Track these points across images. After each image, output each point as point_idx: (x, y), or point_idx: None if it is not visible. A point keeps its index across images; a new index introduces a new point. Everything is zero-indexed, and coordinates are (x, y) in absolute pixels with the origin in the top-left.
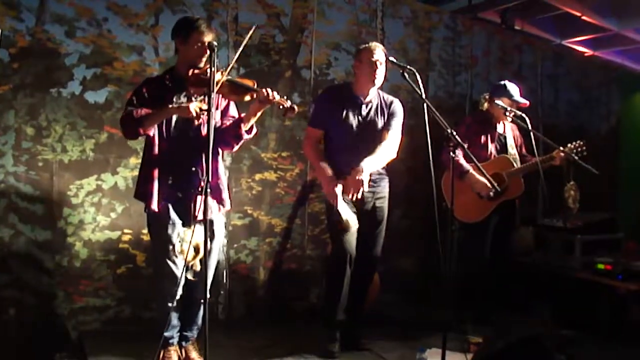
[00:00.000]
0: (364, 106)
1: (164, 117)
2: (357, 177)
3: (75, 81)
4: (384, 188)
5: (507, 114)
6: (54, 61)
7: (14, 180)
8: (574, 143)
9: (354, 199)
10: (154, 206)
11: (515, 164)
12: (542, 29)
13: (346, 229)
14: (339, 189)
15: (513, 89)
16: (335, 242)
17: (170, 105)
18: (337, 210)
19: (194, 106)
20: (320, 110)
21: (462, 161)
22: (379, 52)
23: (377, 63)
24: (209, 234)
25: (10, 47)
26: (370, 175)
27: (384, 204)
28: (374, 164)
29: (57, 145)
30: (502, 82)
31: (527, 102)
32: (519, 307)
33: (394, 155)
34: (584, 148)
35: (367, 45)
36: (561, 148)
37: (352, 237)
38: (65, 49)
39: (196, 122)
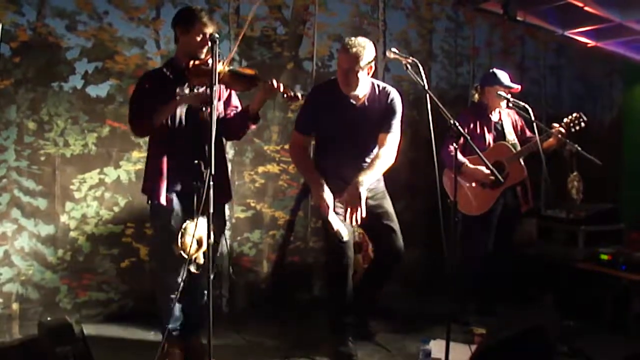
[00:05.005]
0: (353, 100)
1: (174, 109)
2: (355, 190)
3: (77, 75)
4: (380, 186)
5: (510, 104)
6: (56, 55)
7: (16, 175)
8: (569, 117)
9: (355, 221)
10: (163, 200)
11: (514, 150)
12: (544, 20)
13: (339, 238)
14: (329, 197)
15: (503, 75)
16: (332, 255)
17: (178, 97)
18: (329, 221)
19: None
20: (306, 113)
21: (458, 155)
22: (345, 58)
23: (343, 69)
24: (212, 226)
25: (11, 42)
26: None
27: (382, 198)
28: (372, 176)
29: (59, 139)
30: (491, 70)
31: (519, 87)
32: (522, 298)
33: (393, 161)
34: (581, 120)
35: (342, 43)
36: (555, 125)
37: (349, 250)
38: (67, 43)
39: (205, 109)
